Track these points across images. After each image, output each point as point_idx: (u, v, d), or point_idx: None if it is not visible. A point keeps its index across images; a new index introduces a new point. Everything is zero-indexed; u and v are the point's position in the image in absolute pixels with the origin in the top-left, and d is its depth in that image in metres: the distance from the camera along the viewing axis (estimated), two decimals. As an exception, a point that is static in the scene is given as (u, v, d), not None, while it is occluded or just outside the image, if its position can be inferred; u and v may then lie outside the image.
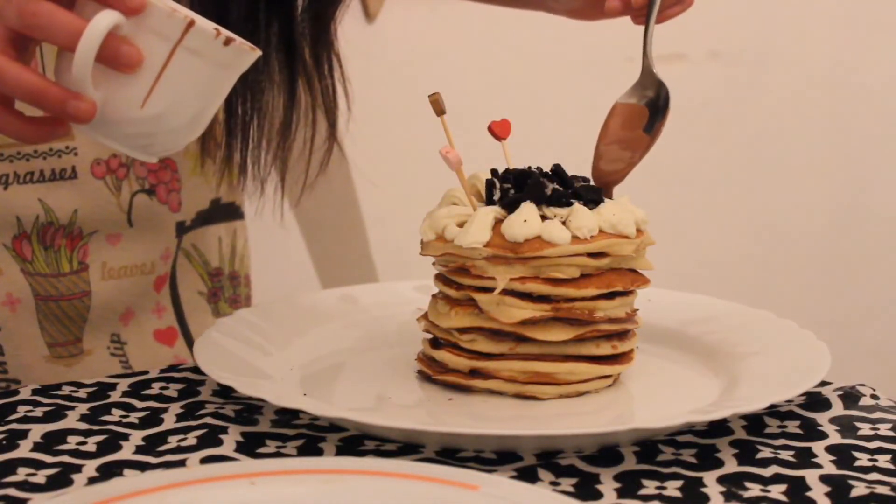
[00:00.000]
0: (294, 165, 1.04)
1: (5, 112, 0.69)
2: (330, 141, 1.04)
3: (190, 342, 1.07)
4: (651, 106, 0.87)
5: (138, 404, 0.78)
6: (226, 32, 0.68)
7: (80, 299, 0.98)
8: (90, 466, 0.68)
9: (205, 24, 0.67)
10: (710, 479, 0.67)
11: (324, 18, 1.00)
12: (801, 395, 0.78)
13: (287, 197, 1.06)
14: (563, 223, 0.78)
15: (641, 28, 0.90)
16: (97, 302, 0.99)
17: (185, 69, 0.67)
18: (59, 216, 0.96)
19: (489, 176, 0.82)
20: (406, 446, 0.71)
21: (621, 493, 0.65)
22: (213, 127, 1.01)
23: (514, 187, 0.80)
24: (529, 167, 0.81)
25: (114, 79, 0.67)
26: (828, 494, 0.65)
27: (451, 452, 0.70)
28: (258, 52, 0.70)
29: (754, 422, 0.76)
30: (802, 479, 0.67)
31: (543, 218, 0.78)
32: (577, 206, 0.79)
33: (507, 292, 0.78)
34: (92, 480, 0.66)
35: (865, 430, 0.74)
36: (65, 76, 0.68)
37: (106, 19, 0.65)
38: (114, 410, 0.77)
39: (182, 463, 0.69)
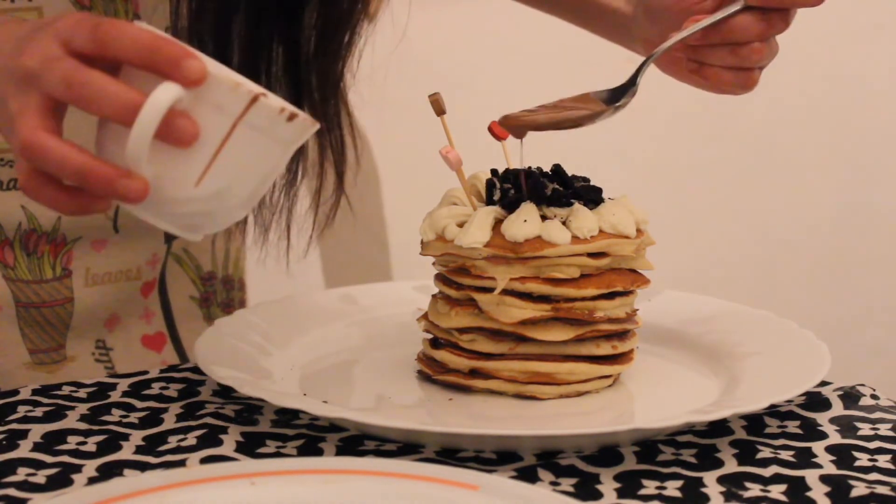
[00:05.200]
0: (302, 217, 1.01)
1: (42, 181, 0.63)
2: (337, 193, 1.01)
3: (179, 347, 1.06)
4: (609, 102, 0.80)
5: (138, 404, 0.78)
6: (290, 108, 0.62)
7: (62, 305, 0.97)
8: (90, 466, 0.68)
9: (271, 99, 0.61)
10: (710, 479, 0.67)
11: (331, 74, 0.95)
12: (801, 395, 0.78)
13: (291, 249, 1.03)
14: (563, 223, 0.78)
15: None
16: (80, 308, 0.98)
17: (244, 146, 0.61)
18: (43, 223, 0.94)
19: (489, 176, 0.82)
20: (406, 446, 0.71)
21: (621, 493, 0.65)
22: None
23: (514, 187, 0.80)
24: (529, 167, 0.82)
25: (167, 154, 0.60)
26: (828, 494, 0.65)
27: (451, 452, 0.70)
28: (318, 126, 0.64)
29: (754, 422, 0.76)
30: (802, 479, 0.67)
31: (543, 218, 0.78)
32: (577, 206, 0.79)
33: (507, 292, 0.78)
34: (92, 480, 0.66)
35: (865, 430, 0.74)
36: (111, 150, 0.61)
37: (167, 93, 0.59)
38: (114, 410, 0.77)
39: (182, 463, 0.69)
